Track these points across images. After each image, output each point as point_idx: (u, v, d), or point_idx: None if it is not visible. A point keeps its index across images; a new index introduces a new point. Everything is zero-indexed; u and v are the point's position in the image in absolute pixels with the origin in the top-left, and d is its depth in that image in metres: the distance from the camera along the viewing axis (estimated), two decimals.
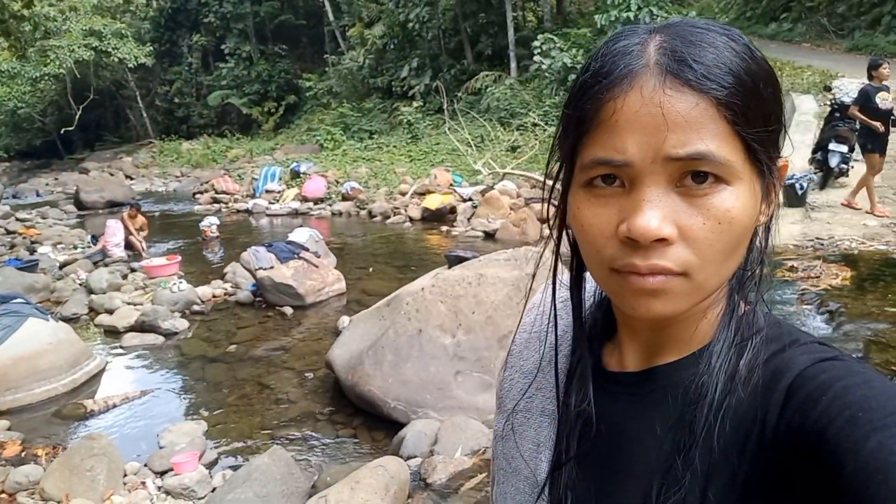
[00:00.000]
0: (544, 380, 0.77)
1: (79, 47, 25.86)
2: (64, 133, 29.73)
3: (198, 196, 17.91)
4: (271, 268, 7.67)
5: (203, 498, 3.90)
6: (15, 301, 5.82)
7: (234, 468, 4.23)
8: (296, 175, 16.83)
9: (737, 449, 0.57)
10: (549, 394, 0.76)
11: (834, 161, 8.67)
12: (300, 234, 8.87)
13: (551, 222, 0.68)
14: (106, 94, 32.36)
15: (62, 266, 9.87)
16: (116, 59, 27.25)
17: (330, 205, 14.96)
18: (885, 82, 7.55)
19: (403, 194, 14.21)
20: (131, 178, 23.50)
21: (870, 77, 7.61)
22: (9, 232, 13.29)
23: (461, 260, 5.56)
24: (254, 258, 7.77)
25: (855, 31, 17.58)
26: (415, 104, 20.81)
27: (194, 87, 32.57)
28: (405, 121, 20.13)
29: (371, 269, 9.25)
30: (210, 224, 12.18)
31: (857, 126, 8.05)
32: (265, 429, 4.86)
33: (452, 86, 20.48)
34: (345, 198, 14.88)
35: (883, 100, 7.39)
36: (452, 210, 12.54)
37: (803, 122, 11.42)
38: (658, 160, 0.54)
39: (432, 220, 12.54)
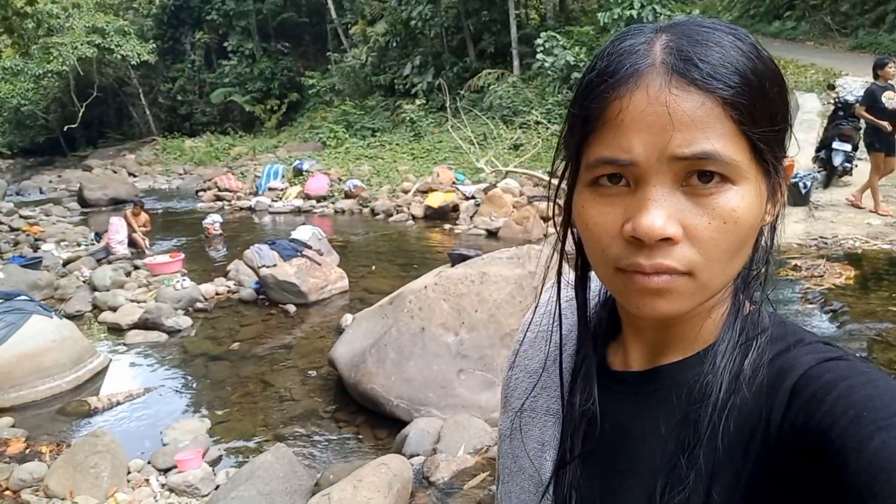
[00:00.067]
0: (549, 379, 0.77)
1: (82, 44, 25.91)
2: (67, 130, 29.75)
3: (201, 194, 17.93)
4: (274, 265, 7.68)
5: (206, 495, 3.91)
6: (19, 298, 5.84)
7: (238, 466, 4.24)
8: (298, 173, 16.85)
9: (741, 448, 0.57)
10: (554, 393, 0.76)
11: (838, 160, 8.65)
12: (303, 232, 8.88)
13: (556, 222, 0.68)
14: (109, 92, 32.39)
15: (66, 263, 9.90)
16: (119, 57, 27.29)
17: (333, 203, 14.97)
18: (890, 81, 7.52)
19: (406, 192, 14.21)
20: (134, 176, 23.55)
21: (875, 76, 7.58)
22: (12, 229, 13.32)
23: (464, 258, 5.56)
24: (257, 256, 7.78)
25: (859, 30, 17.52)
26: (417, 102, 20.79)
27: (197, 85, 32.60)
28: (408, 118, 20.11)
29: (374, 267, 9.25)
30: (213, 222, 12.19)
31: (862, 125, 8.03)
32: (268, 426, 4.87)
33: (455, 83, 20.45)
34: (347, 196, 14.89)
35: (889, 99, 7.36)
36: (455, 208, 12.53)
37: (807, 120, 11.40)
38: (664, 159, 0.54)
39: (435, 218, 12.53)
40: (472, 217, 11.87)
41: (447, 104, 18.16)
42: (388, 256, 10.06)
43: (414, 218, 12.84)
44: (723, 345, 0.61)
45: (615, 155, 0.56)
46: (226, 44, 30.28)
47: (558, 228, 0.68)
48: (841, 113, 8.62)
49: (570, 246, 0.69)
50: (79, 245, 11.50)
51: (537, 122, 16.16)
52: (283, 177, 16.86)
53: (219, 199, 16.98)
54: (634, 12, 14.66)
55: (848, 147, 8.56)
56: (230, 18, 29.89)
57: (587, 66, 0.60)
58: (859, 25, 17.63)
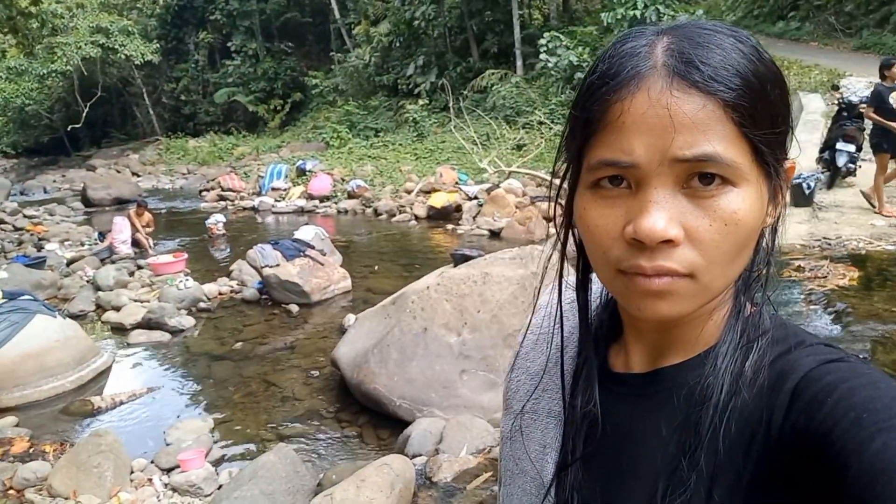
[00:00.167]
0: (551, 381, 0.77)
1: (86, 44, 25.98)
2: (71, 130, 29.84)
3: (204, 193, 17.98)
4: (277, 266, 7.69)
5: (209, 495, 3.91)
6: (22, 298, 5.86)
7: (241, 465, 4.24)
8: (302, 173, 16.87)
9: (742, 450, 0.57)
10: (556, 395, 0.76)
11: (841, 160, 8.63)
12: (306, 232, 8.89)
13: (557, 224, 0.68)
14: (113, 92, 32.46)
15: (69, 263, 9.93)
16: (123, 57, 27.37)
17: (335, 203, 14.98)
18: None
19: (409, 192, 14.22)
20: (138, 176, 23.62)
21: (882, 77, 7.55)
22: (16, 229, 13.38)
23: (466, 258, 5.56)
24: (260, 256, 7.79)
25: (863, 30, 17.49)
26: (420, 102, 20.81)
27: (201, 85, 32.66)
28: (411, 119, 20.12)
29: (376, 268, 9.26)
30: (216, 221, 12.22)
31: (867, 125, 8.00)
32: (271, 426, 4.87)
33: (458, 84, 20.46)
34: (350, 196, 14.90)
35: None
36: (458, 208, 12.54)
37: (811, 121, 11.39)
38: (665, 162, 0.54)
39: (438, 218, 12.54)
40: (474, 217, 11.87)
41: (450, 104, 18.17)
42: (391, 256, 10.07)
43: (417, 218, 12.85)
44: (724, 346, 0.61)
45: (616, 157, 0.56)
46: (229, 44, 30.33)
47: (559, 230, 0.68)
48: (845, 114, 8.59)
49: (571, 248, 0.69)
50: (82, 245, 11.53)
51: (540, 123, 16.16)
52: (286, 177, 16.89)
53: (222, 199, 17.02)
54: (638, 12, 14.64)
55: (852, 148, 8.54)
56: (234, 18, 29.94)
57: (589, 69, 0.60)
58: (864, 26, 17.60)
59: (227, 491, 3.73)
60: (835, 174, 8.90)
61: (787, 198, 0.62)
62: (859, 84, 11.44)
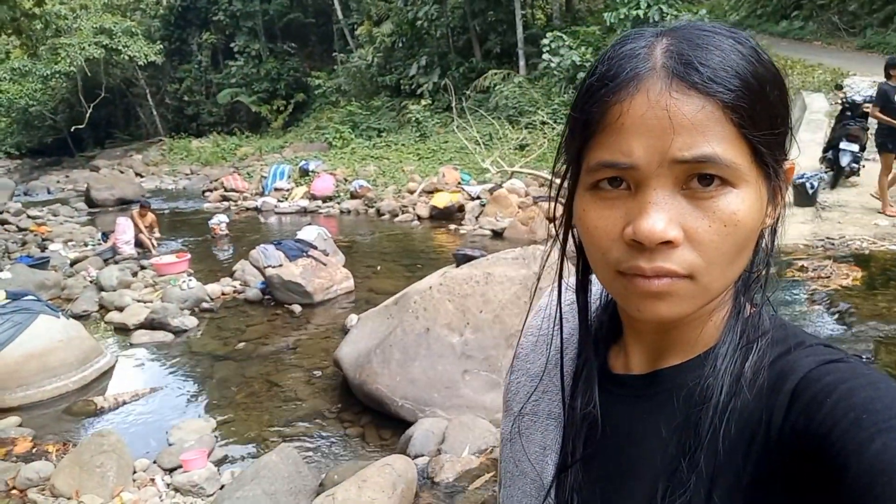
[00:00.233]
0: (550, 383, 0.77)
1: (89, 45, 26.04)
2: (75, 131, 29.92)
3: (207, 194, 18.01)
4: (280, 266, 7.70)
5: (212, 495, 3.92)
6: (26, 298, 5.88)
7: (243, 465, 4.25)
8: (304, 173, 16.89)
9: (742, 451, 0.57)
10: (556, 396, 0.76)
11: (845, 160, 8.61)
12: (309, 233, 8.91)
13: (557, 225, 0.68)
14: (116, 92, 32.55)
15: (73, 263, 9.95)
16: (127, 57, 27.44)
17: (338, 203, 15.00)
18: None
19: (412, 192, 14.23)
20: (141, 176, 23.65)
21: (887, 76, 7.52)
22: (20, 229, 13.41)
23: (469, 258, 5.56)
24: (262, 256, 7.80)
25: (867, 29, 17.45)
26: (423, 102, 20.82)
27: (204, 85, 32.72)
28: (413, 119, 20.14)
29: (379, 268, 9.26)
30: (219, 222, 12.24)
31: (870, 124, 7.98)
32: (273, 426, 4.88)
33: (461, 84, 20.46)
34: (353, 196, 14.91)
35: None
36: (460, 208, 12.54)
37: (814, 120, 11.36)
38: (664, 163, 0.54)
39: (440, 218, 12.54)
40: (477, 217, 11.87)
41: (453, 104, 18.18)
42: (394, 257, 10.07)
43: (419, 218, 12.86)
44: (723, 347, 0.61)
45: (616, 158, 0.56)
46: (232, 44, 30.39)
47: (558, 230, 0.68)
48: (848, 113, 8.57)
49: (570, 249, 0.69)
50: (86, 245, 11.55)
51: (543, 123, 16.16)
52: (289, 177, 16.91)
53: (225, 199, 17.04)
54: (641, 12, 14.63)
55: (855, 147, 8.52)
56: (237, 19, 30.00)
57: (588, 70, 0.60)
58: (867, 25, 17.56)
59: (229, 491, 3.74)
60: (838, 174, 8.88)
61: (787, 198, 0.62)
62: (863, 83, 11.40)
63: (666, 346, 0.66)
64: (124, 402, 5.36)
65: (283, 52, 30.46)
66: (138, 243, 10.69)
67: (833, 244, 7.00)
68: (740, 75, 0.54)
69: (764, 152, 0.56)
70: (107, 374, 5.94)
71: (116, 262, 9.82)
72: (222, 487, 3.96)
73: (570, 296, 0.75)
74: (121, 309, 7.56)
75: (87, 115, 29.25)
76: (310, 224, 10.38)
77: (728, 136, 0.54)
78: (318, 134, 24.28)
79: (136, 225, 10.77)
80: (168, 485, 4.06)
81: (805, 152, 9.47)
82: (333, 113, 24.98)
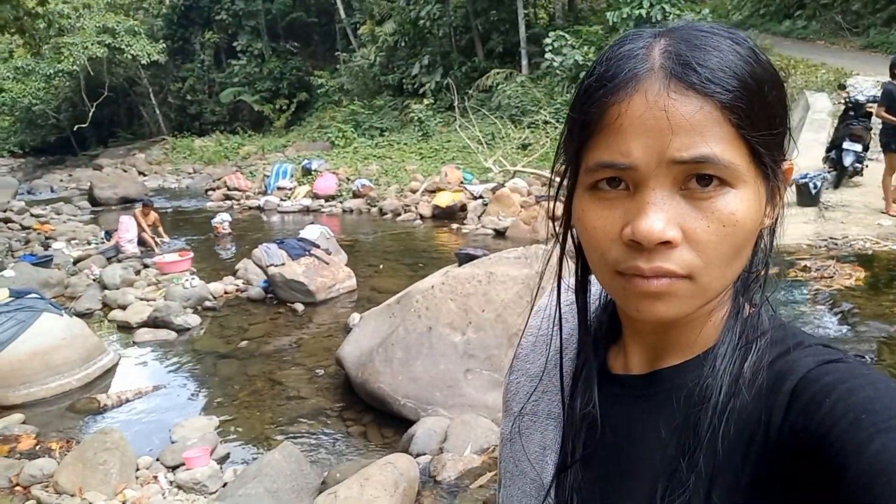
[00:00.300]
0: (550, 383, 0.77)
1: (92, 44, 26.06)
2: (78, 130, 29.95)
3: (210, 193, 18.03)
4: (283, 264, 7.71)
5: (214, 493, 3.93)
6: (29, 296, 5.89)
7: (246, 463, 4.26)
8: (307, 172, 16.89)
9: (741, 451, 0.57)
10: (555, 397, 0.76)
11: (848, 160, 8.58)
12: (311, 232, 8.91)
13: (557, 226, 0.69)
14: (119, 91, 32.58)
15: (76, 262, 9.97)
16: (129, 56, 27.44)
17: (341, 202, 15.01)
18: None
19: (414, 192, 14.22)
20: (144, 175, 23.68)
21: (892, 76, 7.49)
22: (24, 227, 13.44)
23: (471, 258, 5.57)
24: (265, 255, 7.82)
25: (870, 29, 17.40)
26: (426, 101, 20.81)
27: (207, 84, 32.73)
28: (416, 118, 20.13)
29: (381, 267, 9.27)
30: (222, 221, 12.26)
31: (874, 123, 7.95)
32: (276, 425, 4.89)
33: (463, 83, 20.45)
34: (356, 195, 14.92)
35: None
36: (463, 208, 12.54)
37: (817, 120, 11.33)
38: (662, 163, 0.54)
39: (443, 217, 12.54)
40: (479, 217, 11.87)
41: (455, 104, 18.17)
42: (396, 256, 10.08)
43: (422, 217, 12.86)
44: (722, 348, 0.61)
45: (614, 159, 0.56)
46: (235, 43, 30.40)
47: (558, 229, 0.68)
48: (852, 113, 8.55)
49: (570, 249, 0.70)
50: (89, 244, 11.58)
51: (546, 122, 16.14)
52: (291, 176, 16.91)
53: (228, 198, 17.05)
54: (643, 11, 14.61)
55: (858, 147, 8.49)
56: (239, 18, 30.01)
57: (586, 71, 0.60)
58: (871, 24, 17.51)
59: (231, 489, 3.75)
60: (841, 174, 8.86)
61: (786, 199, 0.62)
62: (866, 83, 11.38)
63: (665, 347, 0.66)
64: (127, 400, 5.38)
65: (286, 52, 30.46)
66: (141, 242, 10.71)
67: (836, 244, 6.99)
68: (738, 76, 0.54)
69: (762, 153, 0.56)
70: (110, 371, 5.96)
71: (119, 261, 9.84)
72: (225, 485, 3.97)
73: (569, 296, 0.75)
74: (124, 307, 7.58)
75: (91, 113, 29.30)
76: (312, 223, 10.39)
77: (726, 137, 0.54)
78: (320, 133, 24.29)
79: (138, 224, 10.79)
80: (171, 482, 4.07)
81: (808, 152, 9.45)
82: (336, 112, 24.97)
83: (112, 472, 3.95)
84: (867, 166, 8.76)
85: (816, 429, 0.51)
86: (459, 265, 5.47)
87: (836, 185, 8.95)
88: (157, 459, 4.33)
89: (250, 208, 15.87)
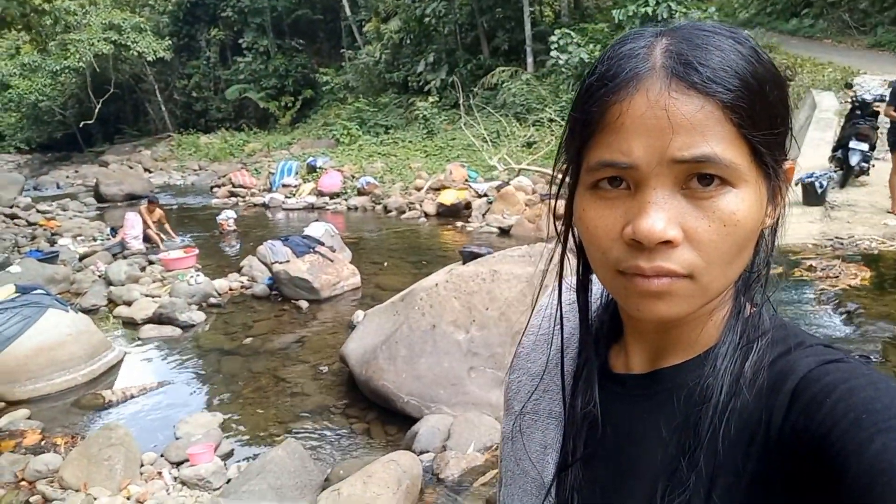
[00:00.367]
0: (551, 382, 0.77)
1: (98, 41, 26.13)
2: (84, 126, 30.09)
3: (215, 189, 18.06)
4: (287, 262, 7.72)
5: (218, 489, 3.94)
6: (35, 292, 5.91)
7: (249, 460, 4.27)
8: (312, 169, 16.91)
9: (741, 451, 0.57)
10: (556, 396, 0.76)
11: (854, 159, 8.54)
12: (316, 229, 8.92)
13: (558, 226, 0.69)
14: (125, 88, 32.67)
15: (82, 258, 10.01)
16: (135, 53, 27.52)
17: (345, 199, 15.02)
18: None
19: (419, 189, 14.23)
20: (150, 172, 23.75)
21: None
22: (30, 223, 13.50)
23: (475, 256, 5.57)
24: (270, 252, 7.83)
25: (878, 28, 17.31)
26: (431, 99, 20.80)
27: (212, 81, 32.80)
28: (421, 116, 20.12)
29: (386, 264, 9.28)
30: (227, 217, 12.28)
31: (883, 123, 7.91)
32: (280, 421, 4.90)
33: (468, 81, 20.44)
34: (360, 193, 14.94)
35: None
36: (467, 205, 12.54)
37: (824, 119, 11.28)
38: (663, 163, 0.54)
39: (447, 215, 12.54)
40: (484, 215, 11.86)
41: (460, 101, 18.15)
42: (400, 253, 10.08)
43: (426, 215, 12.86)
44: (723, 347, 0.61)
45: (615, 158, 0.56)
46: (241, 41, 30.44)
47: (559, 228, 0.68)
48: (858, 112, 8.50)
49: (572, 247, 0.70)
50: (94, 240, 11.62)
51: (551, 120, 16.12)
52: (296, 173, 16.94)
53: (233, 195, 17.09)
54: (650, 9, 14.57)
55: (865, 146, 8.45)
56: (245, 15, 30.05)
57: (588, 70, 0.60)
58: (878, 23, 17.42)
59: (235, 485, 3.76)
60: (847, 173, 8.82)
61: (788, 198, 0.62)
62: (873, 82, 11.33)
63: (666, 346, 0.66)
64: (132, 396, 5.40)
65: (292, 49, 30.49)
66: (146, 238, 10.75)
67: (842, 244, 6.96)
68: (740, 75, 0.54)
69: (763, 152, 0.56)
70: (115, 367, 5.98)
71: (125, 257, 9.88)
72: (229, 481, 3.98)
73: (570, 295, 0.75)
74: (129, 303, 7.60)
75: (96, 110, 29.39)
76: (317, 220, 10.38)
77: (727, 136, 0.54)
78: (325, 130, 24.31)
79: (144, 220, 10.82)
80: (175, 478, 4.09)
81: (814, 151, 9.41)
82: (341, 109, 25.00)
83: (117, 468, 3.96)
84: (874, 166, 8.72)
85: (817, 429, 0.51)
86: (463, 263, 5.48)
87: (843, 184, 8.91)
88: (162, 455, 4.34)
89: (255, 205, 15.89)
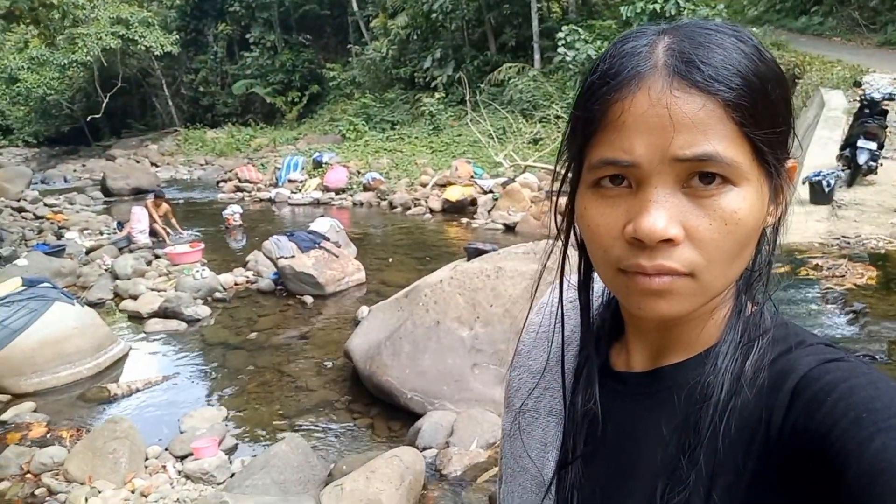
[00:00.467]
0: (552, 379, 0.77)
1: (106, 35, 26.17)
2: (91, 120, 30.14)
3: (221, 184, 18.09)
4: (292, 257, 7.73)
5: (222, 483, 3.96)
6: (42, 285, 5.94)
7: (253, 454, 4.29)
8: (318, 165, 16.92)
9: (742, 450, 0.57)
10: (557, 393, 0.76)
11: (862, 158, 8.49)
12: (321, 224, 8.93)
13: (559, 224, 0.69)
14: (132, 82, 32.72)
15: (88, 251, 10.05)
16: (143, 48, 27.55)
17: (351, 195, 15.03)
18: None
19: (424, 185, 14.23)
20: (157, 166, 23.77)
21: None
22: (37, 217, 13.55)
23: (480, 252, 5.57)
24: (275, 247, 7.84)
25: (888, 26, 17.18)
26: (437, 95, 20.77)
27: (219, 76, 32.83)
28: (427, 112, 20.09)
29: (391, 260, 9.28)
30: (233, 212, 12.31)
31: (892, 122, 7.86)
32: (284, 416, 4.92)
33: (475, 77, 20.40)
34: (366, 188, 14.95)
35: None
36: (473, 202, 12.53)
37: (832, 117, 11.21)
38: (665, 161, 0.54)
39: (452, 211, 12.54)
40: (489, 211, 11.85)
41: (467, 98, 18.13)
42: (405, 249, 10.09)
43: (431, 211, 12.86)
44: (724, 346, 0.61)
45: (617, 156, 0.56)
46: (248, 35, 30.45)
47: (560, 226, 0.68)
48: (867, 111, 8.45)
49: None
50: (101, 234, 11.67)
51: (557, 117, 16.08)
52: (302, 169, 16.95)
53: (239, 190, 17.12)
54: (658, 6, 14.49)
55: (873, 145, 8.40)
56: (252, 10, 30.05)
57: (590, 68, 0.60)
58: (888, 21, 17.29)
59: (239, 479, 3.78)
60: (855, 172, 8.76)
61: (790, 197, 0.62)
62: (882, 81, 11.25)
63: (667, 344, 0.66)
64: (137, 390, 5.42)
65: (298, 44, 30.50)
66: (153, 232, 10.78)
67: (848, 243, 6.92)
68: (742, 74, 0.54)
69: (765, 151, 0.56)
70: (120, 361, 6.01)
71: (131, 251, 9.91)
72: (232, 476, 4.00)
73: (571, 293, 0.75)
74: (135, 297, 7.63)
75: (104, 104, 29.44)
76: (322, 216, 10.41)
77: (729, 135, 0.54)
78: (331, 126, 24.31)
79: (150, 214, 10.86)
80: (179, 472, 4.11)
81: (822, 150, 9.36)
82: (347, 105, 24.99)
83: (121, 461, 3.99)
84: (882, 165, 8.66)
85: (817, 428, 0.51)
86: (468, 259, 5.48)
87: (850, 183, 8.85)
88: (166, 449, 4.36)
89: (261, 200, 15.91)
